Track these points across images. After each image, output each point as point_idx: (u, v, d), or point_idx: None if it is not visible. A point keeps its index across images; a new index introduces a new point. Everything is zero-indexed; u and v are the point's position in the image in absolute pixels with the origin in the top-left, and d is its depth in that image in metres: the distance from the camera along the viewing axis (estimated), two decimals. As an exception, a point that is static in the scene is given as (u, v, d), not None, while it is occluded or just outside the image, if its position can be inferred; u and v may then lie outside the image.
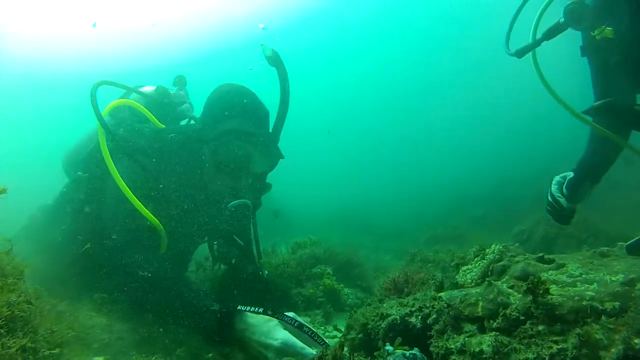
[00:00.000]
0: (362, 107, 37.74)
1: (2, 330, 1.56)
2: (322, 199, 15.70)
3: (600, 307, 1.81)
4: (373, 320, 2.53)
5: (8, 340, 1.54)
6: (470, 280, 2.60)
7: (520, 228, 6.11)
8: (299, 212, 12.82)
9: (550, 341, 1.81)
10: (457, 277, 2.72)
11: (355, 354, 2.55)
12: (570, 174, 3.59)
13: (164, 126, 3.29)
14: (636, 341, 1.58)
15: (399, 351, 1.94)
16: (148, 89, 3.53)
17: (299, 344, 2.34)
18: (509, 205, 9.43)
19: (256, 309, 2.44)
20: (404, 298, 2.69)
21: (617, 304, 1.79)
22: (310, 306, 4.05)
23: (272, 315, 2.42)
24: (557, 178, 3.69)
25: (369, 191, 18.06)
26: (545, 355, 1.76)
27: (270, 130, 3.19)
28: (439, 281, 2.63)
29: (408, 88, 35.10)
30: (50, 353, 1.72)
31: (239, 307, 2.45)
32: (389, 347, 1.97)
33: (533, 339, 1.85)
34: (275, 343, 2.28)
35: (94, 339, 2.32)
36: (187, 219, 3.08)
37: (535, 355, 1.77)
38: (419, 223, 9.85)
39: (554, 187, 3.62)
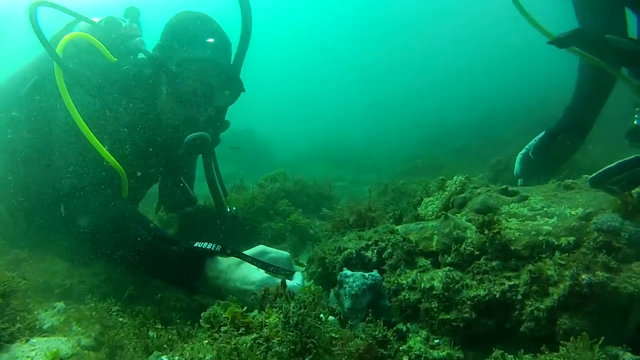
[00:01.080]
0: (343, 36, 37.00)
1: None
2: (304, 134, 15.48)
3: (556, 242, 1.74)
4: (331, 254, 2.47)
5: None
6: (431, 213, 2.52)
7: (498, 158, 6.02)
8: (280, 145, 12.71)
9: (503, 277, 1.75)
10: (418, 209, 2.63)
11: (315, 287, 2.56)
12: None
13: (116, 60, 2.97)
14: (584, 277, 1.51)
15: (358, 272, 1.92)
16: (94, 20, 3.21)
17: (277, 282, 2.23)
18: (492, 136, 9.35)
19: (215, 246, 2.31)
20: (363, 231, 2.62)
21: (572, 239, 1.72)
22: (279, 239, 4.03)
23: (237, 257, 2.30)
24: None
25: (351, 124, 17.82)
26: (497, 291, 1.70)
27: (232, 61, 2.97)
28: (398, 213, 2.54)
29: (390, 14, 34.12)
30: None
31: (200, 246, 2.29)
32: (346, 271, 1.94)
33: (486, 275, 1.79)
34: (253, 287, 2.17)
35: (57, 285, 2.28)
36: (143, 158, 2.91)
37: (486, 292, 1.71)
38: (400, 155, 9.78)
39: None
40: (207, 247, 2.28)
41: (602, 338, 1.33)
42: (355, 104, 25.85)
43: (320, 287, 2.56)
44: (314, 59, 38.84)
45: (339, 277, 1.94)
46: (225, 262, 2.31)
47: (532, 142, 3.43)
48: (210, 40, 2.90)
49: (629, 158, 2.13)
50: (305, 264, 2.91)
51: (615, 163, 2.16)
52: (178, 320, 1.87)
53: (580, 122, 3.31)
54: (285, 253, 2.53)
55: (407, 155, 9.40)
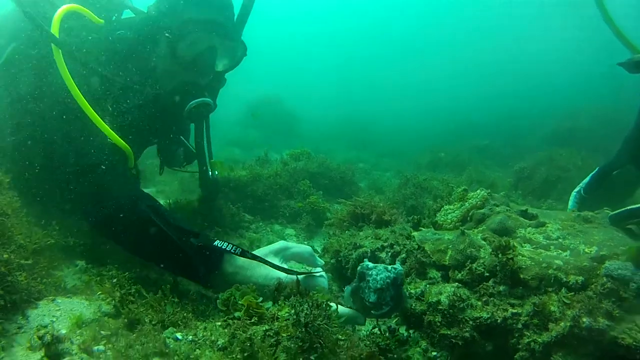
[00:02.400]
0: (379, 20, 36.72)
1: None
2: (332, 110, 15.43)
3: (564, 279, 1.79)
4: (346, 248, 2.56)
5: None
6: (449, 222, 2.58)
7: (523, 165, 6.00)
8: (307, 118, 12.74)
9: (508, 303, 1.82)
10: (437, 215, 2.69)
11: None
12: None
13: (102, 21, 2.80)
14: (584, 320, 1.58)
15: (380, 265, 1.93)
16: None
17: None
18: (515, 139, 9.28)
19: (235, 248, 2.18)
20: (380, 229, 2.69)
21: (581, 278, 1.77)
22: (297, 219, 4.12)
23: (251, 258, 2.18)
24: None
25: (379, 107, 17.68)
26: (499, 317, 1.77)
27: (235, 24, 2.88)
28: (417, 218, 2.60)
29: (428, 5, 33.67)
30: (24, 263, 1.74)
31: (219, 246, 2.17)
32: (368, 263, 1.95)
33: (492, 298, 1.86)
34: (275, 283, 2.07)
35: (78, 244, 2.32)
36: (144, 124, 2.80)
37: (489, 315, 1.79)
38: (423, 144, 9.75)
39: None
40: (226, 247, 2.17)
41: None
42: (385, 88, 25.64)
43: (330, 274, 2.67)
44: (352, 39, 38.68)
45: (359, 267, 1.94)
46: (241, 259, 2.22)
47: (587, 179, 3.24)
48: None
49: None
50: (319, 251, 3.02)
51: (638, 205, 2.18)
52: (194, 297, 1.99)
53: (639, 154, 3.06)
54: (308, 248, 2.51)
55: (429, 145, 9.36)
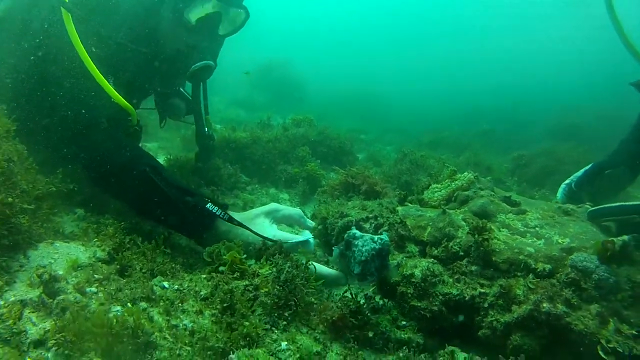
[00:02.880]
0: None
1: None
2: (341, 82, 15.31)
3: (533, 266, 1.89)
4: (333, 216, 2.65)
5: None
6: (435, 200, 2.67)
7: (521, 153, 6.07)
8: (315, 88, 12.68)
9: (478, 283, 1.93)
10: (425, 193, 2.77)
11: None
12: None
13: None
14: (544, 305, 1.68)
15: (367, 235, 1.96)
16: None
17: (288, 237, 2.38)
18: (518, 128, 9.29)
19: (224, 214, 2.31)
20: (368, 200, 2.78)
21: (548, 266, 1.87)
22: (292, 184, 4.22)
23: (237, 225, 2.30)
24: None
25: (389, 84, 17.54)
26: (467, 294, 1.88)
27: None
28: (404, 194, 2.69)
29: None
30: (26, 207, 1.83)
31: (211, 209, 2.29)
32: (355, 231, 1.99)
33: (463, 277, 1.96)
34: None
35: (78, 192, 2.40)
36: (144, 83, 2.94)
37: (458, 292, 1.90)
38: (428, 123, 9.78)
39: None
40: (215, 212, 2.28)
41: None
42: (397, 67, 25.39)
43: (317, 240, 2.78)
44: (371, 14, 38.36)
45: (346, 235, 1.98)
46: (239, 216, 2.38)
47: (579, 172, 3.29)
48: None
49: (631, 203, 2.22)
50: (309, 216, 3.12)
51: (617, 204, 2.26)
52: (185, 251, 2.09)
53: (635, 157, 3.14)
54: (298, 210, 2.63)
55: (434, 125, 9.41)
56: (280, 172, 4.24)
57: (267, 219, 2.47)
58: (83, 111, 2.40)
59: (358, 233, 1.98)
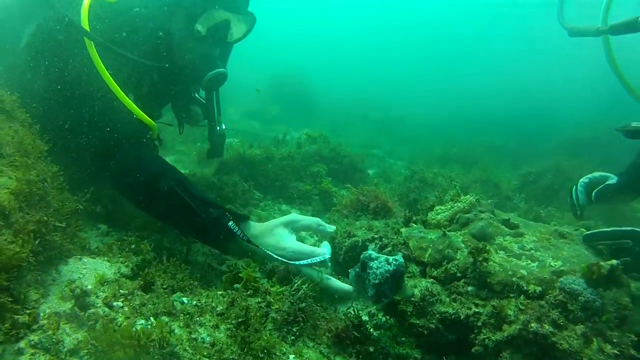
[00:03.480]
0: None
1: (23, 205, 1.84)
2: (355, 92, 15.51)
3: (525, 287, 2.03)
4: (341, 235, 2.82)
5: (27, 213, 1.83)
6: (437, 221, 2.81)
7: (529, 170, 6.16)
8: (329, 99, 12.87)
9: (473, 303, 2.07)
10: (429, 214, 2.92)
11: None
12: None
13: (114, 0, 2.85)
14: (533, 325, 1.82)
15: (382, 256, 2.00)
16: None
17: (306, 251, 2.45)
18: (531, 142, 9.35)
19: (242, 234, 2.43)
20: (376, 221, 2.94)
21: (539, 289, 2.00)
22: (305, 201, 4.39)
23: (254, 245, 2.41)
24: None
25: (401, 93, 17.70)
26: (462, 314, 2.02)
27: None
28: (409, 215, 2.83)
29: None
30: (58, 225, 2.02)
31: (230, 225, 2.40)
32: (371, 252, 2.03)
33: (460, 296, 2.11)
34: (285, 253, 2.36)
35: (102, 208, 2.57)
36: (162, 95, 3.11)
37: (454, 311, 2.04)
38: (440, 135, 9.89)
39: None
40: (235, 231, 2.39)
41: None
42: (410, 76, 25.57)
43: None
44: (387, 26, 38.85)
45: (362, 256, 2.02)
46: (259, 227, 2.52)
47: (595, 175, 3.29)
48: None
49: (626, 228, 2.35)
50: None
51: (612, 229, 2.38)
52: (204, 268, 2.27)
53: None
54: (316, 219, 2.71)
55: (444, 137, 9.52)
56: (293, 188, 4.40)
57: (287, 229, 2.56)
58: (108, 129, 2.55)
59: (374, 254, 2.01)
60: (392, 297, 1.93)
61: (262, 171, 4.38)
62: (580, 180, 3.35)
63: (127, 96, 2.57)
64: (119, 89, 2.52)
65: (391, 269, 1.92)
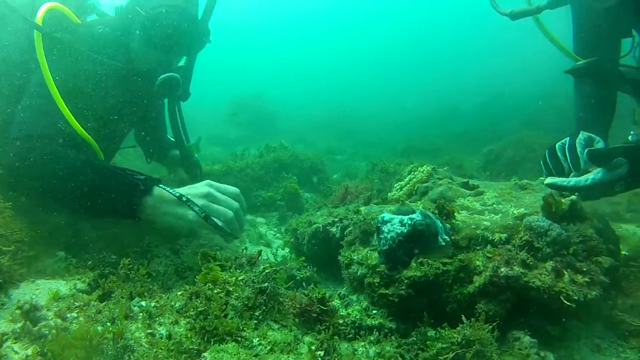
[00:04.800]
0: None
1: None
2: (312, 104, 15.62)
3: (490, 237, 1.96)
4: (302, 226, 2.73)
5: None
6: (397, 197, 2.74)
7: (490, 147, 6.21)
8: (288, 114, 12.88)
9: (440, 262, 1.99)
10: (388, 193, 2.86)
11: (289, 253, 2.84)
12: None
13: (80, 22, 3.00)
14: (502, 270, 1.75)
15: (397, 217, 1.83)
16: None
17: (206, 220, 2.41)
18: (493, 124, 9.49)
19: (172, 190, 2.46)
20: (336, 208, 2.86)
21: (504, 235, 1.94)
22: (269, 208, 4.28)
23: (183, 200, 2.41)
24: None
25: (358, 99, 17.92)
26: (431, 274, 1.93)
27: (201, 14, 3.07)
28: (368, 195, 2.77)
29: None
30: (5, 249, 1.91)
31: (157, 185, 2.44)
32: (385, 215, 1.90)
33: (426, 259, 2.02)
34: (185, 224, 2.40)
35: (61, 235, 2.48)
36: (119, 115, 3.02)
37: (422, 274, 1.95)
38: (402, 133, 9.95)
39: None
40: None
41: (497, 321, 1.58)
42: (365, 80, 25.96)
43: (293, 255, 2.84)
44: (330, 32, 39.43)
45: (375, 222, 1.90)
46: (165, 195, 2.43)
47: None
48: None
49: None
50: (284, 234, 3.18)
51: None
52: (164, 277, 2.15)
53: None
54: (234, 188, 2.67)
55: (408, 133, 9.57)
56: (255, 197, 4.31)
57: (204, 199, 2.49)
58: (37, 130, 2.48)
59: (387, 216, 1.85)
60: (409, 261, 1.77)
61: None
62: (578, 139, 2.73)
63: (78, 113, 2.56)
64: (58, 94, 2.49)
65: (405, 230, 1.77)
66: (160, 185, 2.44)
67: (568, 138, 2.67)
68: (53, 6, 2.75)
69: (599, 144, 2.69)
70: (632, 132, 3.00)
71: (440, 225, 1.90)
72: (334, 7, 40.77)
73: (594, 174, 2.22)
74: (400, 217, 1.81)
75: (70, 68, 2.69)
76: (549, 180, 2.39)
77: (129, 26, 3.00)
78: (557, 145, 2.67)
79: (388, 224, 1.82)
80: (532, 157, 5.75)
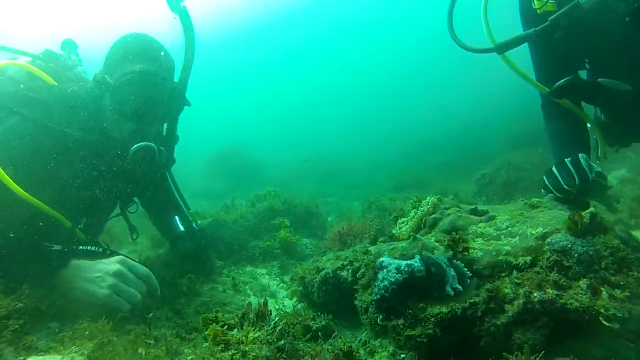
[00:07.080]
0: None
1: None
2: (295, 153, 15.69)
3: (514, 262, 1.86)
4: (310, 273, 2.60)
5: None
6: (404, 232, 2.64)
7: (482, 172, 6.20)
8: (271, 163, 12.87)
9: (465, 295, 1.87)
10: (393, 229, 2.76)
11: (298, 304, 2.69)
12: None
13: (56, 83, 2.98)
14: (535, 294, 1.64)
15: (395, 262, 1.72)
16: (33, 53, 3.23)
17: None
18: (472, 151, 9.56)
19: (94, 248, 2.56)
20: (342, 251, 2.75)
21: (528, 258, 1.84)
22: (268, 258, 4.15)
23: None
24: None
25: (340, 143, 18.07)
26: (458, 309, 1.81)
27: (178, 80, 3.02)
28: (373, 234, 2.66)
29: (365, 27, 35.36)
30: None
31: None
32: (385, 259, 1.78)
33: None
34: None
35: (50, 306, 2.36)
36: (95, 189, 2.92)
37: (448, 309, 1.83)
38: (387, 171, 9.96)
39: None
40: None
41: (541, 351, 1.46)
42: (339, 123, 26.40)
43: (303, 304, 2.70)
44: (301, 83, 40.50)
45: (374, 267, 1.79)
46: (82, 268, 2.45)
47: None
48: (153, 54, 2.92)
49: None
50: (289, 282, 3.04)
51: None
52: (169, 338, 1.99)
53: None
54: (146, 269, 2.63)
55: (392, 169, 9.59)
56: (253, 248, 4.18)
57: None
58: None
59: (386, 261, 1.72)
60: (405, 312, 1.65)
61: (217, 238, 4.13)
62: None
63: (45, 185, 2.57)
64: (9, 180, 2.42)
65: (400, 278, 1.65)
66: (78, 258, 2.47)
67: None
68: (10, 64, 2.82)
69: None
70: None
71: (452, 273, 1.77)
72: (307, 47, 41.73)
73: None
74: (398, 262, 1.70)
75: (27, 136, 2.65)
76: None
77: (101, 97, 2.92)
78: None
79: (384, 270, 1.71)
80: (525, 177, 5.74)
